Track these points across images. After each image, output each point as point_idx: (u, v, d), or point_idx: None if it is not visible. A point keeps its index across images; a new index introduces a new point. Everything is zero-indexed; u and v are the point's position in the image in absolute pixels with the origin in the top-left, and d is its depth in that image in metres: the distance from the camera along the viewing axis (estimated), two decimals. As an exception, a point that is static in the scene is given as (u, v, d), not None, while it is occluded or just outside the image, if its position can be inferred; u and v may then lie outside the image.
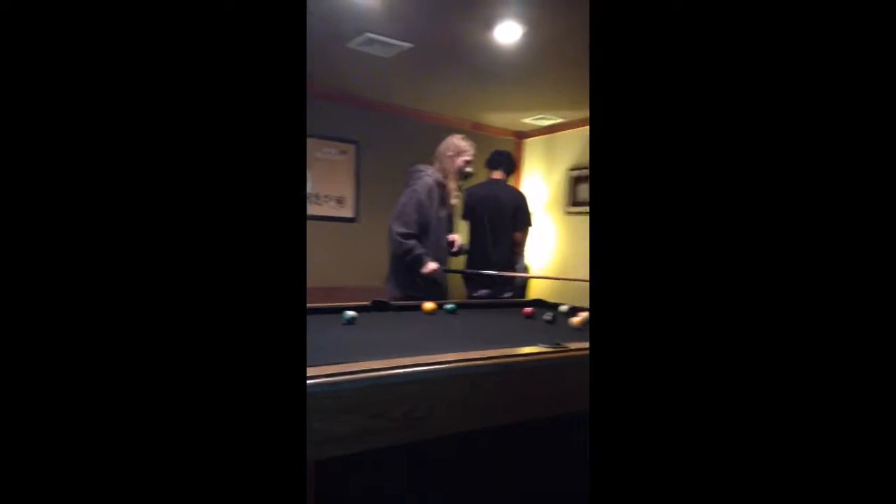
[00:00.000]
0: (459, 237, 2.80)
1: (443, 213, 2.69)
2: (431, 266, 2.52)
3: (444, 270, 2.67)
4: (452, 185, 2.68)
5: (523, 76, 3.47)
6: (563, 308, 2.17)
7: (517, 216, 3.28)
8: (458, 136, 2.74)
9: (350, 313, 1.86)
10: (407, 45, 2.96)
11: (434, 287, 2.60)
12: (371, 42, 2.89)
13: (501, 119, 4.68)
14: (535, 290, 4.24)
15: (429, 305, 2.19)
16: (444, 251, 2.71)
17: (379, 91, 3.95)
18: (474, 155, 2.74)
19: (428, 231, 2.60)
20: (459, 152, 2.65)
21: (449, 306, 2.21)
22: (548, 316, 2.04)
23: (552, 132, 4.78)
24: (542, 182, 4.88)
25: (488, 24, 2.69)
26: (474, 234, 3.26)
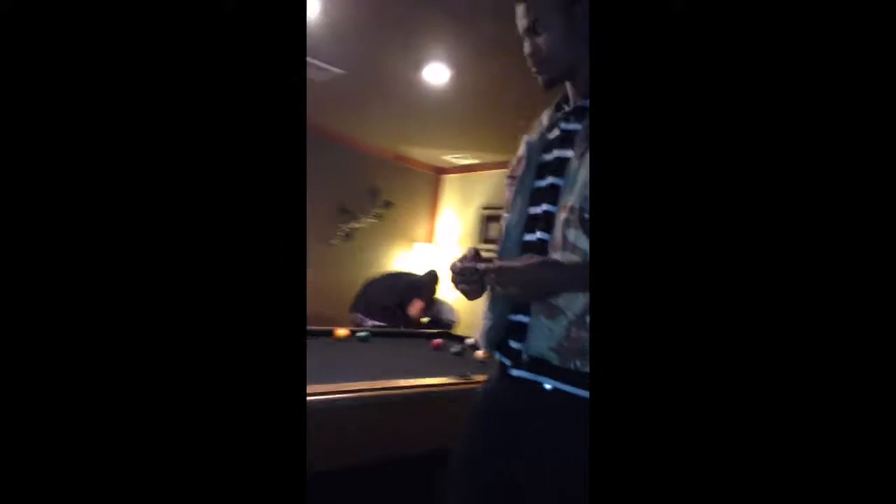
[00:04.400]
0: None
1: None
2: None
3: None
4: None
5: (448, 116, 3.59)
6: (470, 341, 2.17)
7: None
8: None
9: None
10: (339, 71, 2.99)
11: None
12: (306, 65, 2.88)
13: (423, 154, 4.79)
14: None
15: (341, 332, 2.11)
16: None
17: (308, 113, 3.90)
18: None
19: None
20: None
21: (362, 334, 2.15)
22: (455, 348, 2.07)
23: (469, 171, 4.95)
24: (456, 218, 5.03)
25: (418, 64, 2.78)
26: None
